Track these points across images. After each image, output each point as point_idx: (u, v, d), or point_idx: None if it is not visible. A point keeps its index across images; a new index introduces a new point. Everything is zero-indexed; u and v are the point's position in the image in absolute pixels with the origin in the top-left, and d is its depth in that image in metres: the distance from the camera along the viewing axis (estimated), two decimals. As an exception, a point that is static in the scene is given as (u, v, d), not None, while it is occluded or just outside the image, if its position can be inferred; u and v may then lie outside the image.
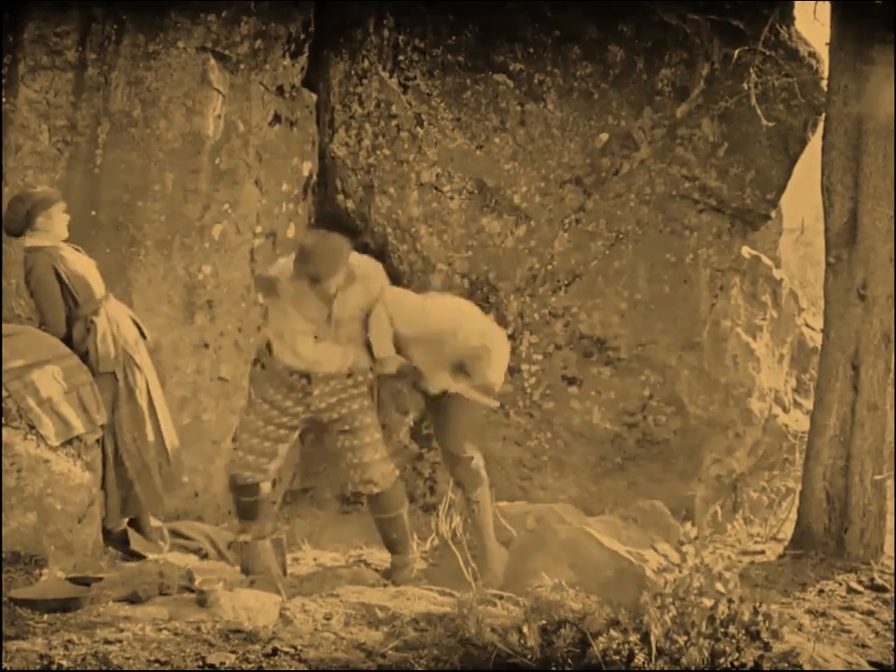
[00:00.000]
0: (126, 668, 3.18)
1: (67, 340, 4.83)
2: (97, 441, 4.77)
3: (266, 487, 4.89)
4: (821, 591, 5.08)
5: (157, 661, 3.24)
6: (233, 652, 3.35)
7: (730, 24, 6.70)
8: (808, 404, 7.35)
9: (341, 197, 6.97)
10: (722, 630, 3.25)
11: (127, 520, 5.05)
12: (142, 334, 5.10)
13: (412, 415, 7.20)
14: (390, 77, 6.82)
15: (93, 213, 5.85)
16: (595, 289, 7.06)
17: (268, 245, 6.52)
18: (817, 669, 3.56)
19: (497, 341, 4.91)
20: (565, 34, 6.83)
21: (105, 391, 4.80)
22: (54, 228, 4.89)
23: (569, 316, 7.06)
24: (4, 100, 5.73)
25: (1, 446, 4.32)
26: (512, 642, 3.29)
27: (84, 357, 4.80)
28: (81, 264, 4.94)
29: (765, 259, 7.77)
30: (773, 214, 7.56)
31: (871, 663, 4.03)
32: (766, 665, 3.23)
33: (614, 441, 7.21)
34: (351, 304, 4.66)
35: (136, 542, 5.00)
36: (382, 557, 5.38)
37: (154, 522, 5.27)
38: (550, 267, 7.00)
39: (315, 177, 6.87)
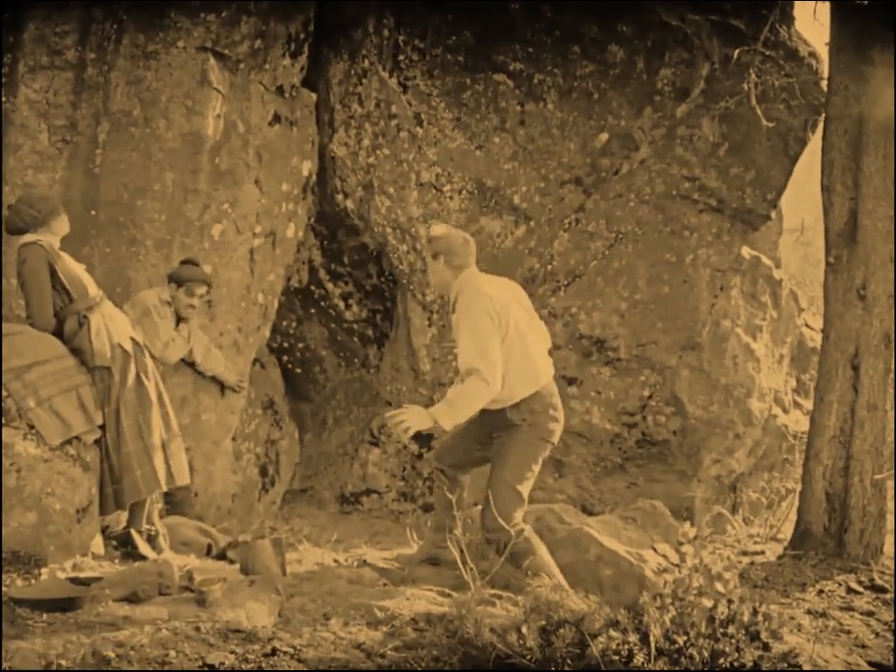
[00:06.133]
0: (125, 668, 3.18)
1: (57, 335, 4.83)
2: (96, 441, 4.76)
3: None
4: (821, 591, 5.09)
5: (156, 661, 3.24)
6: (233, 652, 3.35)
7: (730, 24, 6.71)
8: (808, 404, 7.35)
9: (340, 197, 6.97)
10: (722, 630, 3.25)
11: (126, 520, 5.04)
12: (136, 344, 5.09)
13: None
14: (390, 76, 6.81)
15: (93, 212, 5.85)
16: (594, 290, 7.06)
17: (268, 244, 6.52)
18: (816, 670, 3.56)
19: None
20: (565, 34, 6.82)
21: (98, 384, 4.80)
22: (61, 231, 4.91)
23: (569, 316, 7.05)
24: (4, 99, 5.72)
25: (1, 446, 4.32)
26: (511, 642, 3.29)
27: (75, 352, 4.80)
28: (76, 264, 4.95)
29: (765, 260, 7.78)
30: (773, 214, 7.56)
31: (870, 663, 4.03)
32: (766, 666, 3.23)
33: (614, 442, 7.21)
34: None
35: (138, 543, 4.99)
36: (381, 556, 5.38)
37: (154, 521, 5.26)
38: (549, 267, 7.00)
39: (314, 177, 6.87)
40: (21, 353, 4.63)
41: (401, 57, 6.82)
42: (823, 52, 6.39)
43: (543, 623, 3.34)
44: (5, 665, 3.13)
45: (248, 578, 4.40)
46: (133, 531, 4.96)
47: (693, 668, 3.16)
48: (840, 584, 5.18)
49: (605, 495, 7.20)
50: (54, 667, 3.14)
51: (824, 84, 6.43)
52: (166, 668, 3.21)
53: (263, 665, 3.30)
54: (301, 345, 7.53)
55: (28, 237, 4.84)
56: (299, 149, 6.67)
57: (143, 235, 5.93)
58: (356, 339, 7.51)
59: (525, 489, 4.45)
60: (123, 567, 4.47)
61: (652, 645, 3.17)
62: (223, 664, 3.26)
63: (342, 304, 7.39)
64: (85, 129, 5.87)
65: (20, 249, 4.85)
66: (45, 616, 3.59)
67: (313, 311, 7.41)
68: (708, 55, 6.83)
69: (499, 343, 4.37)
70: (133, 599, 3.84)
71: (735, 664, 3.19)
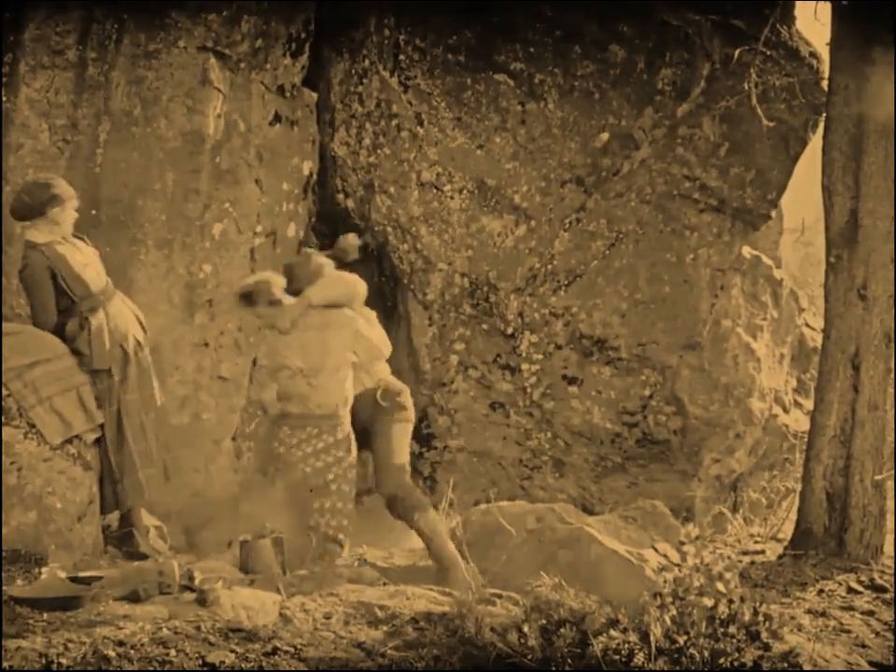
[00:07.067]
0: (126, 667, 3.18)
1: (58, 334, 4.82)
2: (96, 440, 4.76)
3: None
4: (821, 591, 5.08)
5: (157, 660, 3.24)
6: (233, 651, 3.35)
7: (731, 24, 6.71)
8: (809, 404, 7.35)
9: (341, 196, 6.97)
10: (722, 630, 3.25)
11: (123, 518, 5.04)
12: (142, 328, 5.09)
13: None
14: (391, 76, 6.82)
15: (94, 212, 5.85)
16: (595, 289, 7.05)
17: (268, 244, 6.52)
18: (817, 669, 3.56)
19: None
20: (566, 33, 6.82)
21: (98, 385, 4.80)
22: (64, 221, 4.89)
23: (569, 316, 7.05)
24: (5, 99, 5.73)
25: (1, 445, 4.32)
26: (512, 642, 3.29)
27: (75, 352, 4.80)
28: (80, 260, 4.90)
29: (766, 259, 7.77)
30: (773, 214, 7.55)
31: (871, 663, 4.03)
32: (766, 665, 3.23)
33: (614, 441, 7.21)
34: None
35: (139, 542, 4.99)
36: (382, 556, 5.38)
37: (155, 521, 5.27)
38: (550, 266, 7.00)
39: (315, 177, 6.87)
40: (22, 352, 4.63)
41: (402, 56, 6.82)
42: (824, 52, 6.39)
43: (544, 622, 3.35)
44: (5, 664, 3.13)
45: (249, 577, 4.41)
46: (134, 530, 4.97)
47: (693, 668, 3.16)
48: (840, 584, 5.17)
49: (605, 494, 7.20)
50: (54, 666, 3.14)
51: (825, 84, 6.42)
52: (166, 667, 3.21)
53: (264, 664, 3.30)
54: (301, 345, 7.51)
55: (30, 234, 4.83)
56: (299, 149, 6.68)
57: (144, 235, 5.93)
58: (356, 338, 7.49)
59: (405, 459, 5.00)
60: (123, 566, 4.47)
61: (653, 644, 3.17)
62: (223, 663, 3.26)
63: (342, 304, 7.38)
64: (86, 128, 5.87)
65: (24, 250, 4.84)
66: (45, 615, 3.59)
67: (313, 310, 7.39)
68: (709, 55, 6.83)
69: None
70: (133, 598, 3.84)
71: (736, 663, 3.19)
